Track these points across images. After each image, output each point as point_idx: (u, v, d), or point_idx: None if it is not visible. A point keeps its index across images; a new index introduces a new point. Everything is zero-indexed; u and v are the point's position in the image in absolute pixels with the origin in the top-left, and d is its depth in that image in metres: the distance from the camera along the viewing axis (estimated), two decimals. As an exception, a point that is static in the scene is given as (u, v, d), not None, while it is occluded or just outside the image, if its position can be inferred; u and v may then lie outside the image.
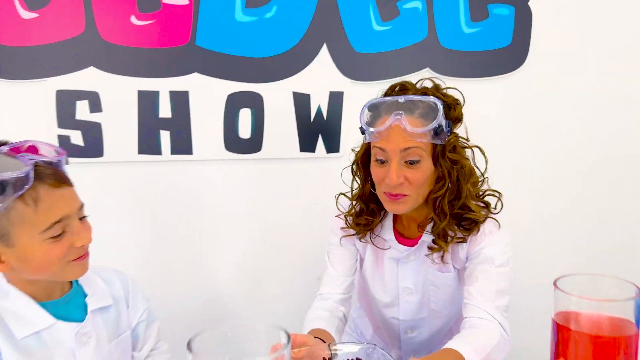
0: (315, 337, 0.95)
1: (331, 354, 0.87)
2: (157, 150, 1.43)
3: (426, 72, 1.54)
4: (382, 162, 1.00)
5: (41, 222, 0.80)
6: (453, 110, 1.01)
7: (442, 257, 1.06)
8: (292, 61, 1.47)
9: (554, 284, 0.65)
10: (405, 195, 0.99)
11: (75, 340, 0.87)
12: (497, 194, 1.07)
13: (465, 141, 1.04)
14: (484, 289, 1.00)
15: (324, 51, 1.48)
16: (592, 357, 0.62)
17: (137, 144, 1.41)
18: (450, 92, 1.05)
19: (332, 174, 1.46)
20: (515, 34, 1.59)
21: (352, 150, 1.13)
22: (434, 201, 1.03)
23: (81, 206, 0.87)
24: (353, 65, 1.50)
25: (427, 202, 1.05)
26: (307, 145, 1.52)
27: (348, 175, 1.13)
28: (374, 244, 1.12)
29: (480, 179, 1.06)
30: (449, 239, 1.03)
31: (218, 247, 1.54)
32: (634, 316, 0.62)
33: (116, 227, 1.42)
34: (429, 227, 1.06)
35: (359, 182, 1.11)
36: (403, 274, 1.12)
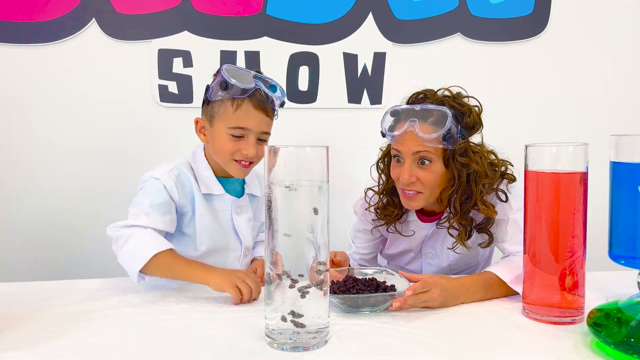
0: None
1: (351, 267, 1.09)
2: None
3: (457, 37, 1.81)
4: (399, 160, 1.10)
5: (232, 121, 1.12)
6: (467, 117, 1.07)
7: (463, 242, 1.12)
8: (343, 27, 1.77)
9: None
10: (419, 193, 1.09)
11: (233, 209, 1.21)
12: (511, 167, 1.14)
13: (476, 146, 1.09)
14: (514, 239, 1.08)
15: (370, 18, 1.77)
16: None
17: (218, 94, 1.76)
18: (471, 101, 1.12)
19: (374, 122, 1.71)
20: (537, 3, 1.82)
21: (380, 149, 1.23)
22: (448, 200, 1.12)
23: (264, 132, 1.15)
24: (394, 30, 1.78)
25: (442, 201, 1.13)
26: (354, 97, 1.81)
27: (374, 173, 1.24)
28: (399, 232, 1.23)
29: (500, 170, 1.10)
30: (465, 233, 1.11)
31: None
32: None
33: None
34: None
35: (384, 178, 1.20)
36: (425, 242, 1.24)
